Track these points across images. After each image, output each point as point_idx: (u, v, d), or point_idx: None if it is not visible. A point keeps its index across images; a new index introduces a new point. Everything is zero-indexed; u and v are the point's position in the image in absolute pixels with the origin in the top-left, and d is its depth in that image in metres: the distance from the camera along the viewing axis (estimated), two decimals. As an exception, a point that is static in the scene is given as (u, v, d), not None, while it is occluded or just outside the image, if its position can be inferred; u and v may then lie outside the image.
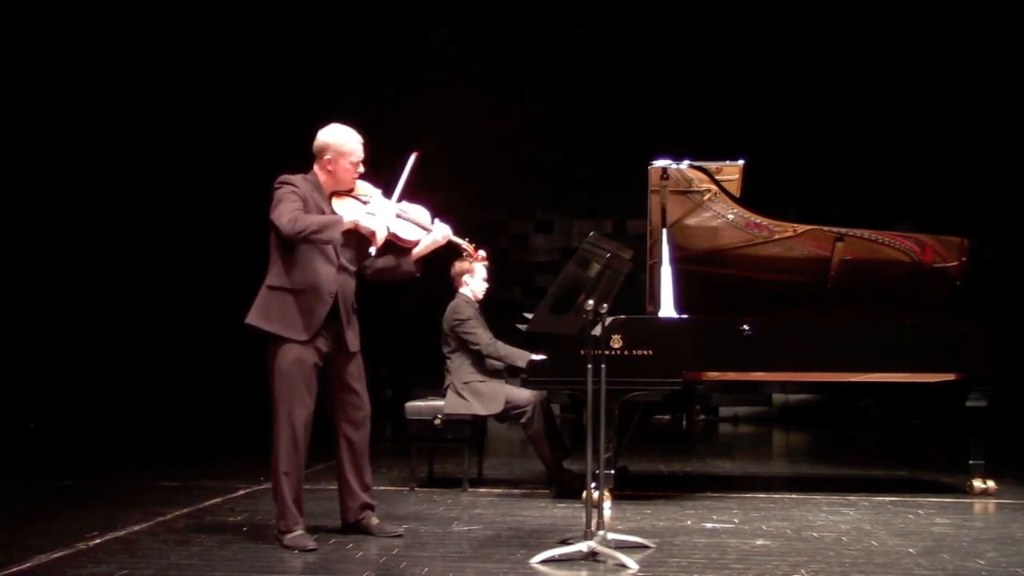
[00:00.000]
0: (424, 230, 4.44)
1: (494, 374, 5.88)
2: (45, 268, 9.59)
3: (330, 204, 4.34)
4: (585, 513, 4.11)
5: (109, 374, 10.00)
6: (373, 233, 4.25)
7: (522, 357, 5.68)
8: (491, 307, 6.17)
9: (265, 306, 4.23)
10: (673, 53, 11.05)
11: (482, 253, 4.62)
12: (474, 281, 6.04)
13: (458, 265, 5.96)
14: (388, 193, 4.42)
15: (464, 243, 4.58)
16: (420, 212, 4.48)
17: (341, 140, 4.33)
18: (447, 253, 4.64)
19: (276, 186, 4.26)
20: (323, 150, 4.33)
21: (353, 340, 4.37)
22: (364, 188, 4.43)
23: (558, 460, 5.88)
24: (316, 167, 4.37)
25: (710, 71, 10.99)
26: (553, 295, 4.22)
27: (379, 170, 4.52)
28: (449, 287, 6.08)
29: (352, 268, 4.40)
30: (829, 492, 5.76)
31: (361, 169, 4.39)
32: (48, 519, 4.84)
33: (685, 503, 5.42)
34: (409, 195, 4.46)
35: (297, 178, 4.29)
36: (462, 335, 5.85)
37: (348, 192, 4.40)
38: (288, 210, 4.15)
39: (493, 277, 6.16)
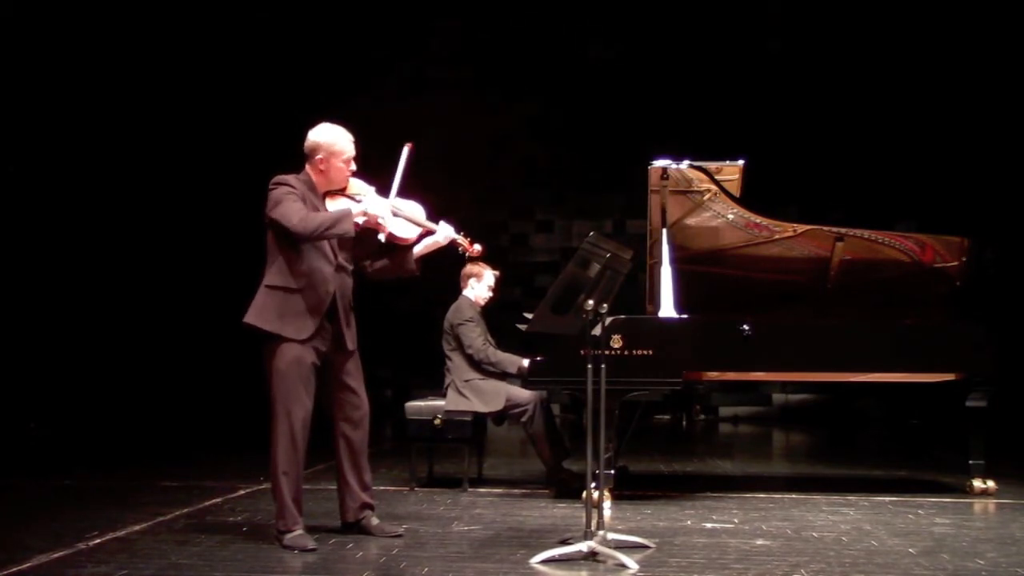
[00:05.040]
0: (419, 226, 4.44)
1: (494, 372, 5.88)
2: (45, 268, 9.58)
3: (324, 204, 4.33)
4: (585, 513, 4.11)
5: (109, 374, 9.99)
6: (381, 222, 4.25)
7: (513, 364, 5.71)
8: (491, 307, 6.16)
9: (263, 305, 4.22)
10: (673, 53, 11.05)
11: (478, 247, 4.62)
12: (479, 286, 6.04)
13: (468, 267, 5.96)
14: (386, 187, 4.42)
15: (460, 238, 4.58)
16: (415, 209, 4.47)
17: (332, 139, 4.31)
18: (448, 252, 4.65)
19: (272, 187, 4.24)
20: (314, 150, 4.31)
21: (351, 339, 4.36)
22: (357, 187, 4.42)
23: (558, 460, 5.88)
24: (308, 167, 4.34)
25: (711, 71, 10.98)
26: (553, 295, 4.22)
27: (379, 170, 4.51)
28: (450, 287, 6.08)
29: (349, 267, 4.39)
30: (829, 492, 5.76)
31: (353, 167, 4.37)
32: (48, 519, 4.84)
33: (685, 503, 5.42)
34: (407, 192, 4.46)
35: (291, 178, 4.27)
36: (459, 335, 5.85)
37: (341, 191, 4.38)
38: (295, 210, 4.13)
39: (499, 289, 6.15)
